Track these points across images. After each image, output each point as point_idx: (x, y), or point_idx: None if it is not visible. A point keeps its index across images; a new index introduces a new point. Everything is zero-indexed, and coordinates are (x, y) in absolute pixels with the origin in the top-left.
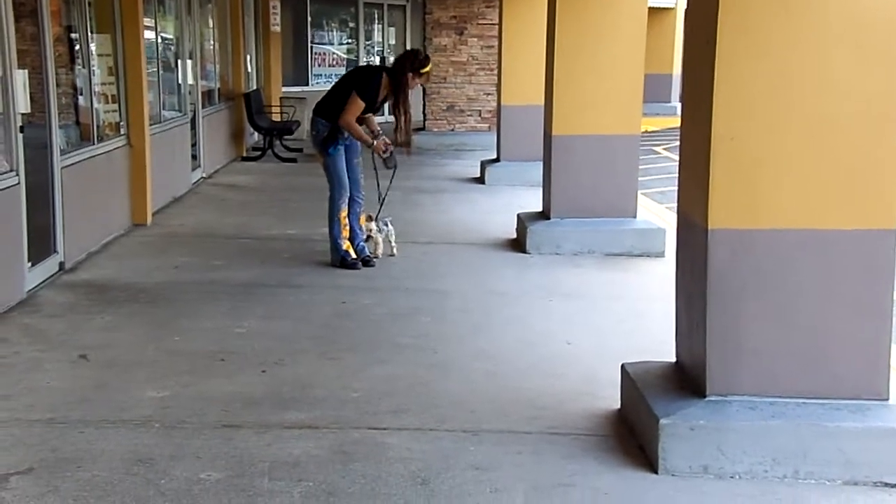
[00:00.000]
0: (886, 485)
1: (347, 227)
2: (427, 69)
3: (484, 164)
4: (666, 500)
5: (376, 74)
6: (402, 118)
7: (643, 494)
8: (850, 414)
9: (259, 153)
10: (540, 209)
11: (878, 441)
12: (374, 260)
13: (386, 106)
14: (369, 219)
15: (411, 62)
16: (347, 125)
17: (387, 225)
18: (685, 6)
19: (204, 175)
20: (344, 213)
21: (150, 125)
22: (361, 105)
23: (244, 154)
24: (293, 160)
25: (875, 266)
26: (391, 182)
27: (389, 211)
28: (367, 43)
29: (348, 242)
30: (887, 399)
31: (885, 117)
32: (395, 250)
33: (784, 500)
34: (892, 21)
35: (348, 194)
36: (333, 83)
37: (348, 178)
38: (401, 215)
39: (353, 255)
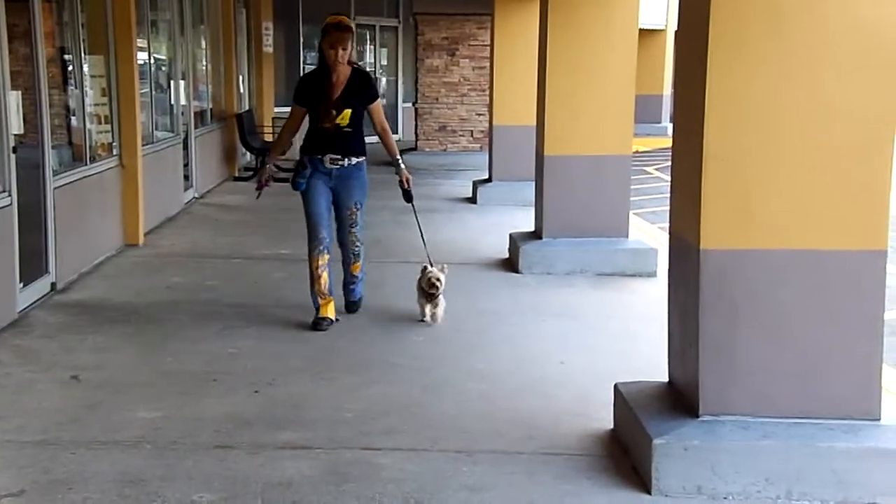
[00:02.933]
0: None
1: (322, 280)
2: (327, 22)
3: (476, 184)
4: None
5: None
6: (328, 106)
7: None
8: (843, 434)
9: (251, 173)
10: (532, 229)
11: (870, 461)
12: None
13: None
14: (442, 269)
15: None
16: (278, 136)
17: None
18: (676, 27)
19: (196, 195)
20: (317, 263)
21: (143, 146)
22: (298, 109)
23: (236, 174)
24: (285, 180)
25: (866, 286)
26: (418, 220)
27: (381, 231)
28: (360, 63)
29: (327, 298)
30: (879, 419)
31: (876, 137)
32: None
33: None
34: (883, 43)
35: (322, 243)
36: None
37: (339, 229)
38: (392, 235)
39: (328, 315)
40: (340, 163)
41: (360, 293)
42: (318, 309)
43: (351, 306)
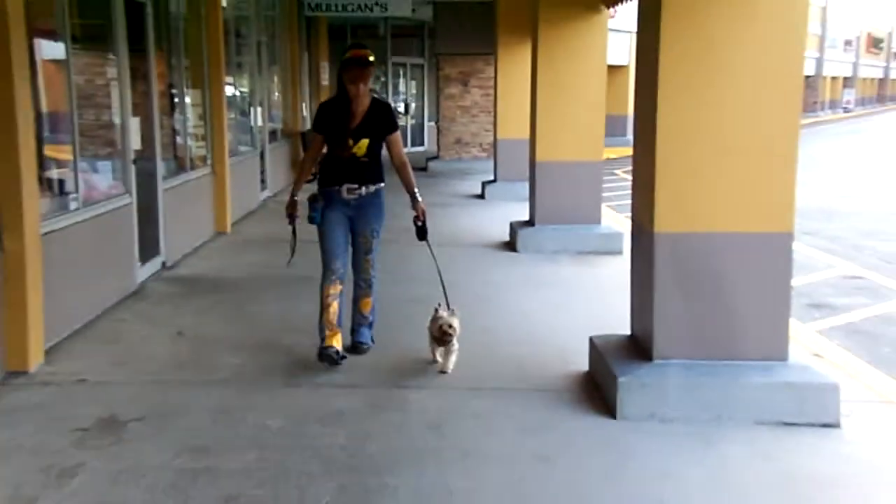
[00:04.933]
0: (785, 424)
1: (331, 309)
2: (348, 56)
3: (484, 184)
4: (621, 439)
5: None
6: (347, 136)
7: (605, 434)
8: (759, 371)
9: (313, 177)
10: (527, 218)
11: (779, 392)
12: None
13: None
14: (452, 313)
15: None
16: (300, 164)
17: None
18: (635, 64)
19: (269, 194)
20: (328, 291)
21: (230, 157)
22: (315, 137)
23: None
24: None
25: (778, 259)
26: (436, 260)
27: (404, 223)
28: (395, 93)
29: (335, 329)
30: (786, 359)
31: (778, 139)
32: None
33: (710, 436)
34: (778, 67)
35: (335, 273)
36: None
37: (353, 254)
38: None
39: (333, 345)
40: (358, 192)
41: (368, 337)
42: (323, 339)
43: (358, 347)
